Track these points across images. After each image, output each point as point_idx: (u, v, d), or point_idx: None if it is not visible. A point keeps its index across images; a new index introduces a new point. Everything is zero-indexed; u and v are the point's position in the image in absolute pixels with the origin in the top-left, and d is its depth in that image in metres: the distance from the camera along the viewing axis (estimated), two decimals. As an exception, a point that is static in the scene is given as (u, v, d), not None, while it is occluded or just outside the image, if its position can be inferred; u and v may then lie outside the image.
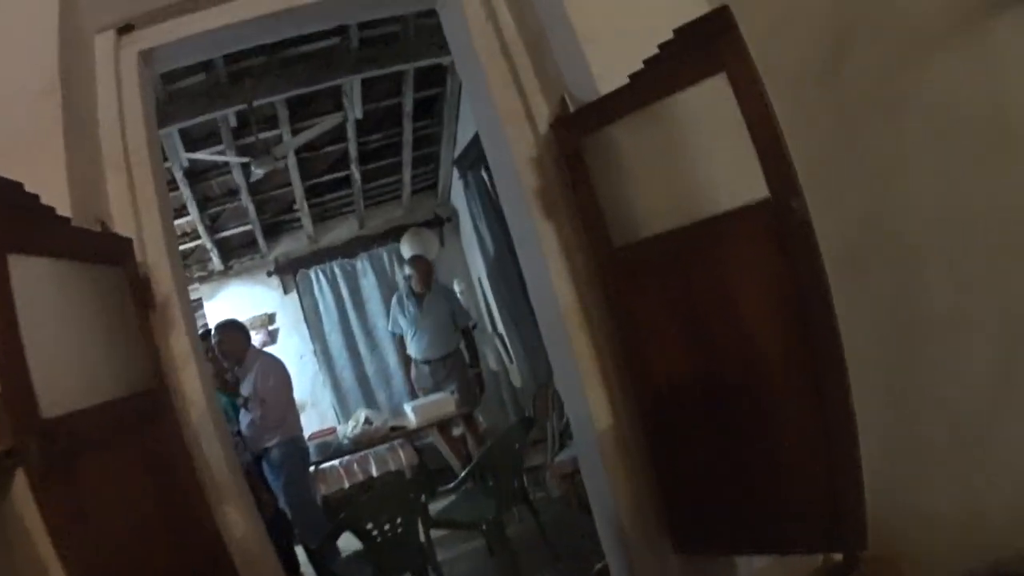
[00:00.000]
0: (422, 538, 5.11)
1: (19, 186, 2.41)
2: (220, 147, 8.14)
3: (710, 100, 2.75)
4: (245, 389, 6.19)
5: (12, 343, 2.17)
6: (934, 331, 2.72)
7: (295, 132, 8.12)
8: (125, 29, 3.68)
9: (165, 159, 7.86)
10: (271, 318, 10.38)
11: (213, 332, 6.50)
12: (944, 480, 2.84)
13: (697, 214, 2.92)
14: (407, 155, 9.74)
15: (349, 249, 10.51)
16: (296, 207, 9.92)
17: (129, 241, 3.20)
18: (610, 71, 3.11)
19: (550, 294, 3.61)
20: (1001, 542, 2.58)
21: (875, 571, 2.96)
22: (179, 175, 8.33)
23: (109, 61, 3.59)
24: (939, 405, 2.78)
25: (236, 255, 10.39)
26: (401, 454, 8.17)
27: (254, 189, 9.22)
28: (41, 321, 2.35)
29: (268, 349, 9.50)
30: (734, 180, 2.77)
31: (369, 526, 4.51)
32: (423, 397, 8.15)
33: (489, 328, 9.98)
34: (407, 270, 8.43)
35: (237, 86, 7.31)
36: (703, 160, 2.91)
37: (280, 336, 10.38)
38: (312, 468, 7.50)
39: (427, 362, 8.36)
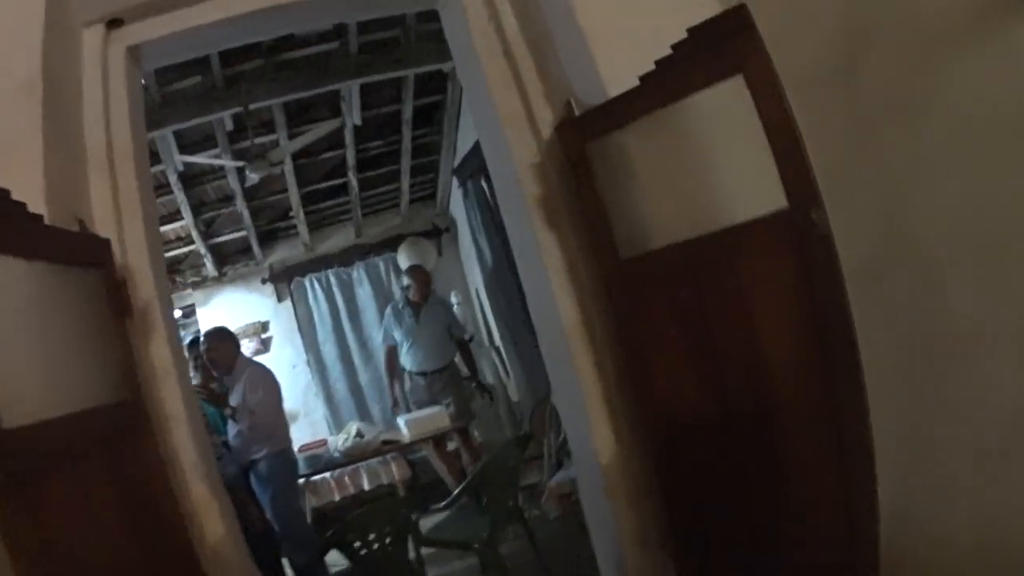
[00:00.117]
0: (412, 555, 4.95)
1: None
2: (216, 151, 8.03)
3: (725, 103, 2.62)
4: (234, 399, 6.02)
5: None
6: (955, 347, 2.57)
7: (292, 137, 8.01)
8: (114, 23, 3.58)
9: (159, 162, 7.79)
10: (264, 326, 10.26)
11: (202, 340, 6.34)
12: (962, 504, 2.69)
13: (710, 225, 2.77)
14: (406, 163, 9.65)
15: (345, 258, 10.39)
16: (292, 214, 9.81)
17: (107, 242, 3.07)
18: (619, 73, 2.98)
19: (552, 309, 3.47)
20: (1020, 570, 2.45)
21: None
22: (173, 179, 8.23)
23: (96, 56, 3.50)
24: (959, 425, 2.63)
25: (230, 261, 10.27)
26: (394, 468, 8.06)
27: (249, 195, 9.13)
28: (3, 323, 2.21)
29: (261, 358, 9.45)
30: (750, 189, 2.64)
31: (357, 544, 4.34)
32: (417, 411, 7.97)
33: (486, 341, 9.86)
34: (405, 280, 8.28)
35: (233, 89, 7.23)
36: (717, 168, 2.77)
37: (273, 345, 10.26)
38: (302, 480, 7.36)
39: (423, 374, 8.17)
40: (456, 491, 5.61)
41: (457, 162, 9.44)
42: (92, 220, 3.19)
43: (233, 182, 8.63)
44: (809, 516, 2.75)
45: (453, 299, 9.84)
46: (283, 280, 10.29)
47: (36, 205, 2.65)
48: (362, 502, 7.88)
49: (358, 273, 10.31)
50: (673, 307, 2.94)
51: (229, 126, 7.87)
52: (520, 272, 3.94)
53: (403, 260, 9.80)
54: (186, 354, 6.65)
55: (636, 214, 3.04)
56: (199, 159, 7.79)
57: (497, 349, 9.43)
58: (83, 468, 2.45)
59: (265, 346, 10.19)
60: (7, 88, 2.97)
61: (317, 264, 10.34)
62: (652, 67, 2.81)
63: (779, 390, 2.67)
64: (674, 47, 2.72)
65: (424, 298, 8.12)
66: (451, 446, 8.06)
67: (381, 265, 10.34)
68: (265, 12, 3.70)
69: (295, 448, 7.14)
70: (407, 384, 8.32)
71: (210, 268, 10.04)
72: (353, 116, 8.27)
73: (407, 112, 8.68)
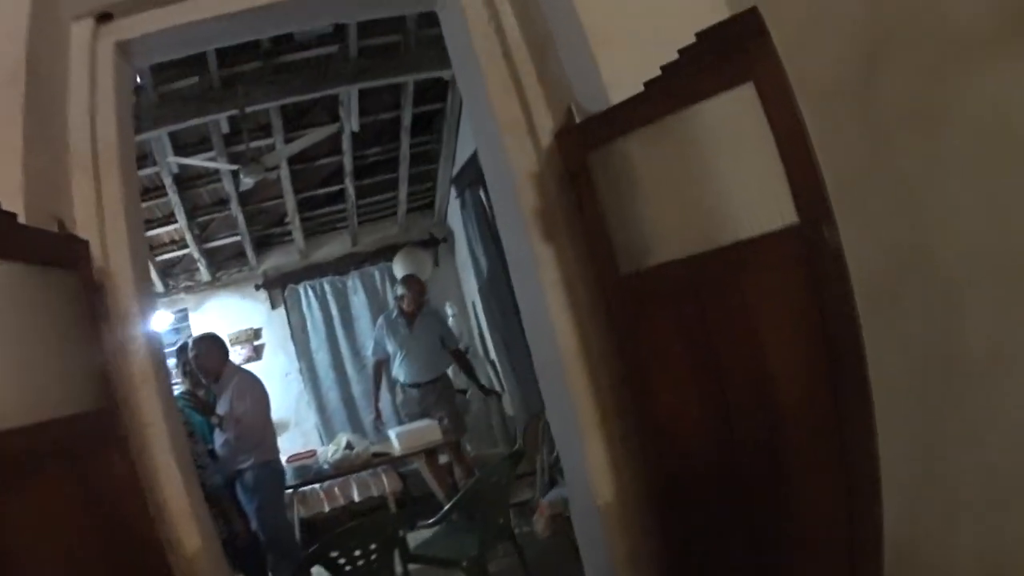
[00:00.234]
0: (400, 571, 4.85)
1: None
2: (211, 154, 7.94)
3: (734, 112, 2.49)
4: (221, 407, 5.91)
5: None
6: (969, 373, 2.45)
7: (289, 142, 7.92)
8: (104, 18, 3.50)
9: (155, 163, 7.71)
10: (257, 333, 10.22)
11: (190, 345, 6.23)
12: (971, 536, 2.57)
13: (716, 240, 2.64)
14: (404, 171, 9.60)
15: (340, 266, 10.35)
16: (288, 220, 9.75)
17: (85, 244, 2.95)
18: (623, 79, 2.84)
19: (547, 328, 3.35)
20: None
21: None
22: (168, 181, 8.21)
23: (84, 51, 3.41)
24: (971, 454, 2.51)
25: (224, 266, 10.22)
26: (384, 480, 7.95)
27: (245, 199, 9.09)
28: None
29: (253, 365, 9.44)
30: (758, 203, 2.51)
31: (341, 560, 4.24)
32: (408, 423, 7.85)
33: (481, 353, 9.79)
34: (399, 290, 8.17)
35: (230, 91, 7.19)
36: (724, 180, 2.64)
37: (265, 352, 10.22)
38: (291, 490, 7.26)
39: (416, 386, 8.05)
40: (445, 508, 5.52)
41: (455, 171, 9.37)
42: (73, 221, 3.10)
43: (228, 186, 8.59)
44: (810, 543, 2.63)
45: (448, 310, 9.78)
46: (277, 287, 10.24)
47: (13, 202, 2.56)
48: (352, 514, 7.80)
49: (353, 282, 10.26)
50: (675, 325, 2.81)
51: (225, 129, 7.83)
52: (515, 286, 3.82)
53: (398, 269, 9.74)
54: (174, 360, 6.62)
55: (638, 227, 2.91)
56: (193, 161, 7.70)
57: (492, 362, 9.36)
58: (50, 479, 2.32)
59: (257, 353, 10.13)
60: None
61: (312, 271, 10.29)
62: (657, 72, 2.69)
63: (785, 415, 2.55)
64: (681, 52, 2.60)
65: (418, 308, 8.01)
66: (443, 459, 7.93)
67: (376, 274, 10.28)
68: (260, 9, 3.61)
69: (283, 458, 7.04)
70: (399, 396, 8.21)
71: (204, 272, 10.00)
72: (351, 122, 8.20)
73: (406, 119, 8.63)
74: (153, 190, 8.36)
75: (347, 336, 10.11)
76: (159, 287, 9.73)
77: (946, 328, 2.45)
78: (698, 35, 2.54)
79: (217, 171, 8.22)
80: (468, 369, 8.60)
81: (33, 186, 2.81)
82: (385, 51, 7.50)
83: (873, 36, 2.44)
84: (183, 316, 10.03)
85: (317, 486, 7.75)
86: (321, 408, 9.98)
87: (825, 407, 2.43)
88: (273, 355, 10.16)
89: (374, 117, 8.57)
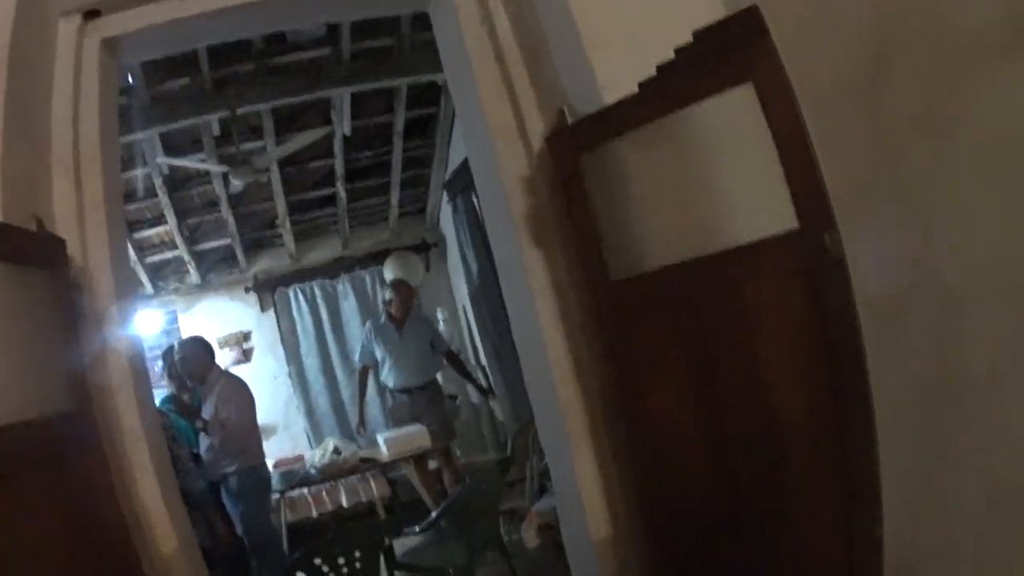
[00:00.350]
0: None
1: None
2: (202, 155, 7.87)
3: (733, 114, 2.44)
4: (206, 411, 5.84)
5: None
6: (973, 387, 2.38)
7: (280, 145, 7.85)
8: (91, 14, 3.42)
9: (144, 164, 7.65)
10: (246, 336, 10.12)
11: (176, 348, 6.15)
12: (972, 556, 2.51)
13: (712, 246, 2.57)
14: (396, 175, 9.53)
15: (331, 270, 10.25)
16: (278, 223, 9.67)
17: (62, 243, 2.88)
18: (618, 82, 2.78)
19: (536, 336, 3.29)
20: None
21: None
22: (158, 182, 8.14)
23: (70, 48, 3.35)
24: (973, 473, 2.45)
25: (214, 269, 10.12)
26: (373, 485, 7.94)
27: (236, 202, 9.02)
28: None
29: (242, 368, 9.41)
30: (757, 208, 2.46)
31: (325, 568, 4.16)
32: (397, 429, 7.77)
33: (472, 359, 9.70)
34: (387, 294, 8.10)
35: (222, 92, 7.13)
36: (721, 183, 2.58)
37: (255, 355, 10.11)
38: (278, 495, 7.18)
39: (406, 391, 7.96)
40: (433, 516, 5.46)
41: (448, 176, 9.32)
42: (53, 220, 3.04)
43: (219, 188, 8.53)
44: (808, 551, 2.57)
45: (439, 316, 9.71)
46: (267, 290, 10.14)
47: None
48: (341, 519, 7.74)
49: (343, 286, 10.17)
50: (669, 334, 2.74)
51: (216, 131, 7.75)
52: (504, 293, 3.77)
53: (389, 274, 9.66)
54: (160, 363, 6.55)
55: (631, 232, 2.85)
56: (182, 162, 7.63)
57: (483, 368, 9.28)
58: (20, 482, 2.24)
59: (247, 356, 10.05)
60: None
61: (302, 275, 10.19)
62: (653, 73, 2.62)
63: (784, 426, 2.49)
64: (678, 51, 2.54)
65: (406, 314, 7.94)
66: (433, 465, 7.86)
67: (367, 278, 10.19)
68: (249, 6, 3.54)
69: (270, 463, 6.96)
70: (389, 402, 8.12)
71: (193, 275, 9.90)
72: (343, 125, 8.14)
73: (399, 123, 8.57)
74: (143, 192, 8.29)
75: (337, 340, 10.02)
76: (149, 289, 9.64)
77: (950, 342, 2.38)
78: (695, 34, 2.48)
79: (208, 173, 8.16)
80: (463, 370, 8.55)
81: (12, 183, 2.76)
82: (378, 54, 7.44)
83: (878, 39, 2.37)
84: (173, 318, 9.94)
85: (305, 491, 7.71)
86: (310, 412, 9.88)
87: (825, 417, 2.39)
88: (262, 358, 10.07)
89: (367, 121, 8.51)
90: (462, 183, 8.48)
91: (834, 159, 2.35)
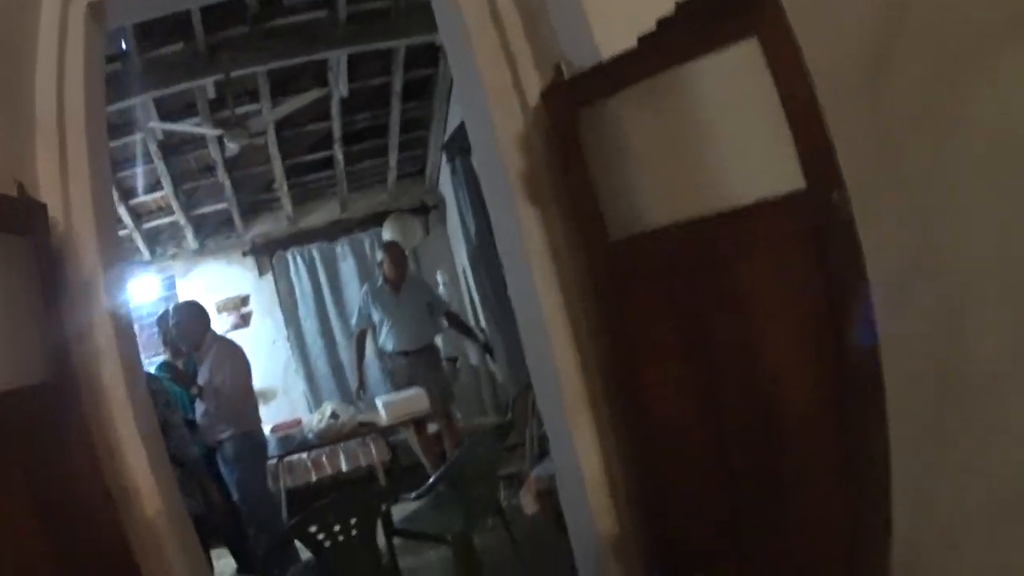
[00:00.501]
0: (382, 546, 4.73)
1: None
2: (197, 119, 7.79)
3: (736, 69, 2.34)
4: (200, 377, 5.79)
5: None
6: (971, 390, 2.33)
7: (276, 108, 7.76)
8: (78, -22, 3.32)
9: (139, 130, 7.56)
10: (245, 300, 10.09)
11: (171, 313, 6.09)
12: (975, 555, 2.45)
13: (714, 205, 2.48)
14: (394, 137, 9.44)
15: (329, 233, 10.20)
16: (275, 186, 9.60)
17: (43, 207, 2.81)
18: (617, 40, 2.67)
19: (532, 299, 3.22)
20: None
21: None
22: (153, 148, 8.07)
23: (55, 13, 3.25)
24: (973, 473, 2.40)
25: (212, 233, 10.06)
26: (373, 449, 7.90)
27: (232, 166, 8.94)
28: None
29: (240, 332, 9.43)
30: (761, 167, 2.36)
31: (321, 536, 4.11)
32: (396, 392, 7.72)
33: (472, 322, 9.63)
34: (379, 255, 8.04)
35: (216, 57, 7.04)
36: (724, 141, 2.49)
37: (253, 319, 10.08)
38: (276, 460, 7.17)
39: (404, 354, 7.92)
40: (429, 482, 5.41)
41: (446, 138, 9.22)
42: (36, 185, 2.98)
43: (215, 152, 8.43)
44: (806, 525, 2.51)
45: (439, 279, 9.66)
46: (265, 254, 10.09)
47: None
48: (340, 483, 7.71)
49: (342, 249, 10.11)
50: (668, 295, 2.66)
51: (211, 94, 7.67)
52: (501, 254, 3.68)
53: (386, 235, 9.61)
54: (156, 329, 6.49)
55: (629, 191, 2.76)
56: (177, 127, 7.55)
57: (483, 330, 9.22)
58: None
59: (245, 320, 10.01)
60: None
61: (300, 238, 10.14)
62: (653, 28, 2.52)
63: (783, 394, 2.41)
64: (679, 5, 2.44)
65: (400, 276, 7.88)
66: (432, 429, 7.83)
67: (366, 241, 10.13)
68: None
69: (267, 428, 6.92)
70: (388, 365, 8.08)
71: (191, 240, 9.85)
72: (340, 87, 8.04)
73: (396, 84, 8.47)
74: (140, 158, 8.20)
75: (336, 303, 9.98)
76: (146, 255, 9.61)
77: (950, 342, 2.32)
78: (696, -14, 2.38)
79: (203, 138, 8.05)
80: (464, 327, 8.54)
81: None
82: (375, 16, 7.35)
83: (880, 29, 2.28)
84: (171, 284, 9.91)
85: (304, 455, 7.70)
86: (309, 376, 9.87)
87: (830, 386, 2.31)
88: (261, 322, 10.04)
89: (364, 83, 8.42)
90: (461, 145, 8.37)
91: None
